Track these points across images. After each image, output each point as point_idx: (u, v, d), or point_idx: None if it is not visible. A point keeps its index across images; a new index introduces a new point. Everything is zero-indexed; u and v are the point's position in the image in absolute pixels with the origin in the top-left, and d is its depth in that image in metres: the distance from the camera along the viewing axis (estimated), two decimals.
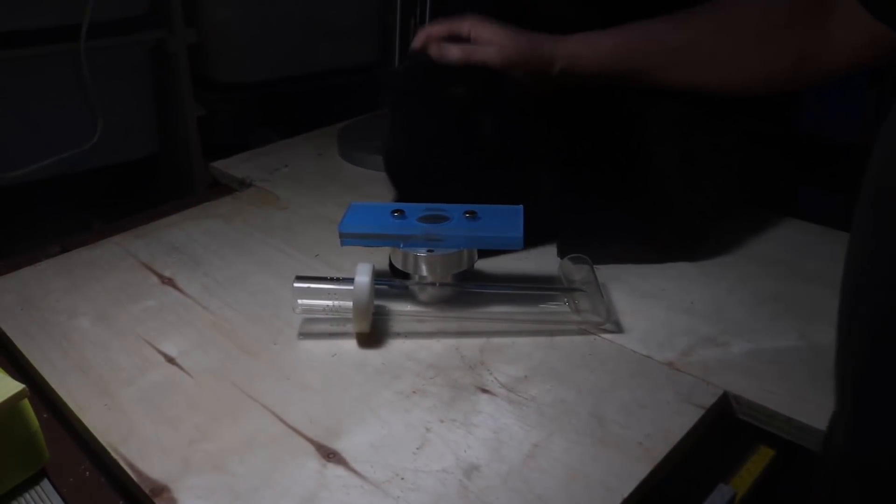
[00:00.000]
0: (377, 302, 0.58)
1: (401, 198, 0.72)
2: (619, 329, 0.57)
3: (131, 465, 0.45)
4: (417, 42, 0.68)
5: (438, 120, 0.66)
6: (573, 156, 0.68)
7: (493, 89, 0.65)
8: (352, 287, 0.54)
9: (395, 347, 0.56)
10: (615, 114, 0.69)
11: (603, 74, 0.66)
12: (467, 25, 0.67)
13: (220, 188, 0.88)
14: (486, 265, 0.65)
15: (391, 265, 0.61)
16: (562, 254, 0.65)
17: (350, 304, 0.55)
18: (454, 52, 0.65)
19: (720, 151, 0.68)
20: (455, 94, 0.65)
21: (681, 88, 0.65)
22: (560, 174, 0.68)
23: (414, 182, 0.70)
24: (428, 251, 0.57)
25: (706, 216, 0.68)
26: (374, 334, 0.57)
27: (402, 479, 0.44)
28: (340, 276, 0.57)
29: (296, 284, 0.56)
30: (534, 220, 0.59)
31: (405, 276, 0.59)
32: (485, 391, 0.51)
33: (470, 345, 0.56)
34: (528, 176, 0.68)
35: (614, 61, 0.66)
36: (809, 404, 0.49)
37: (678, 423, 0.48)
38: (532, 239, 0.62)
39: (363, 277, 0.54)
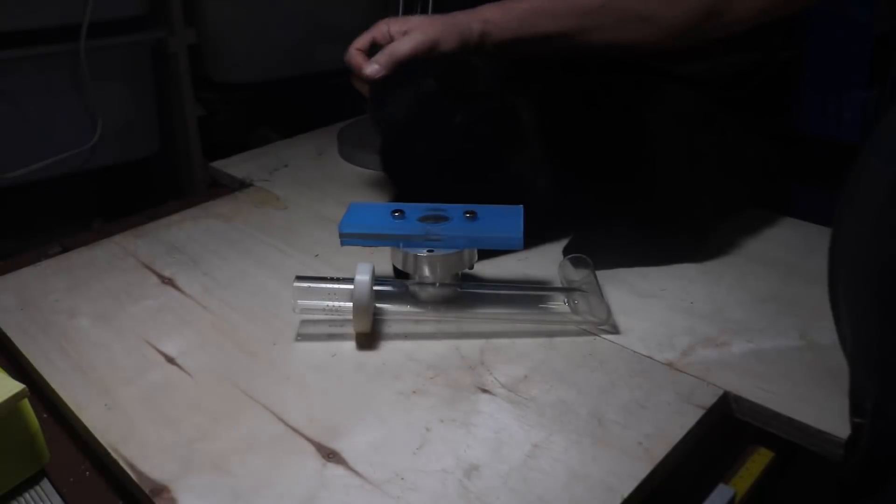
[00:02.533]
0: (377, 303, 0.58)
1: (399, 195, 0.72)
2: (618, 329, 0.57)
3: (131, 465, 0.45)
4: (355, 64, 0.70)
5: (440, 131, 0.67)
6: (575, 154, 0.68)
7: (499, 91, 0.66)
8: (352, 287, 0.54)
9: (395, 347, 0.56)
10: (617, 112, 0.69)
11: (519, 39, 0.68)
12: (384, 27, 0.70)
13: (220, 188, 0.88)
14: (486, 265, 0.66)
15: (394, 267, 0.61)
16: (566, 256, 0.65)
17: (350, 304, 0.55)
18: (371, 69, 0.68)
19: (724, 149, 0.68)
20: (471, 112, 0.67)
21: (598, 47, 0.68)
22: (562, 173, 0.68)
23: (412, 179, 0.70)
24: (428, 251, 0.57)
25: (711, 216, 0.68)
26: (373, 334, 0.57)
27: (402, 479, 0.44)
28: (340, 276, 0.57)
29: (296, 284, 0.56)
30: (535, 221, 0.59)
31: (405, 276, 0.59)
32: (485, 391, 0.51)
33: (470, 345, 0.56)
34: (528, 175, 0.68)
35: (527, 26, 0.68)
36: (809, 404, 0.49)
37: (678, 423, 0.48)
38: (533, 239, 0.62)
39: (363, 277, 0.54)
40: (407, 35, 0.68)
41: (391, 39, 0.69)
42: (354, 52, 0.70)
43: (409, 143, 0.69)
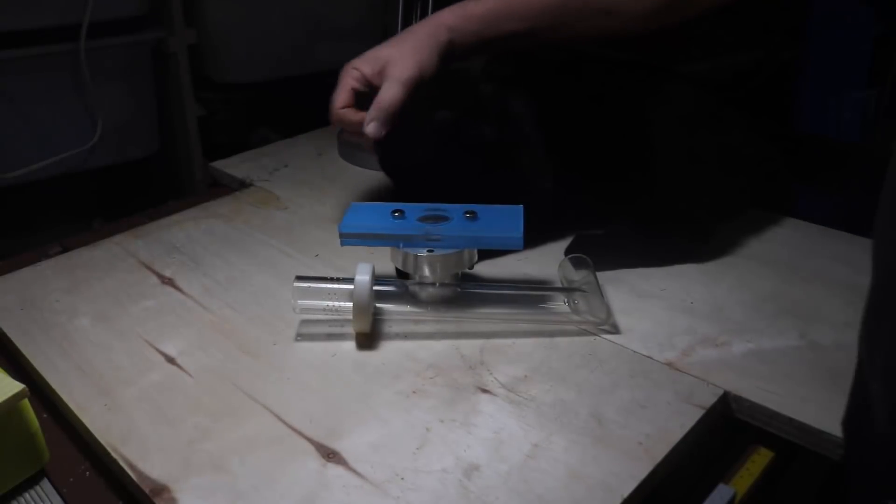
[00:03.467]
0: (377, 303, 0.58)
1: (399, 193, 0.72)
2: (619, 329, 0.57)
3: (131, 465, 0.45)
4: (342, 125, 0.66)
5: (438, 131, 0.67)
6: (576, 154, 0.68)
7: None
8: (352, 287, 0.54)
9: (395, 347, 0.56)
10: (618, 112, 0.69)
11: (482, 42, 0.66)
12: (355, 72, 0.65)
13: (220, 188, 0.88)
14: (486, 265, 0.65)
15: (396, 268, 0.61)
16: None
17: (350, 304, 0.55)
18: (371, 129, 0.63)
19: (727, 149, 0.68)
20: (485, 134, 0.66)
21: (564, 42, 0.66)
22: (563, 173, 0.68)
23: (411, 178, 0.70)
24: (428, 251, 0.57)
25: (713, 215, 0.68)
26: (373, 334, 0.57)
27: (402, 479, 0.44)
28: (340, 276, 0.57)
29: (296, 284, 0.56)
30: (537, 220, 0.59)
31: (405, 276, 0.59)
32: (485, 391, 0.51)
33: (470, 345, 0.56)
34: (532, 176, 0.68)
35: (488, 28, 0.65)
36: (810, 404, 0.49)
37: (678, 423, 0.48)
38: (534, 238, 0.62)
39: (363, 277, 0.54)
40: (388, 80, 0.63)
41: (369, 84, 0.64)
42: (341, 113, 0.64)
43: (437, 176, 0.67)
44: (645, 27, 0.65)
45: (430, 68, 0.63)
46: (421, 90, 0.63)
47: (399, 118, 0.63)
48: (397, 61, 0.63)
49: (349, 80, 0.64)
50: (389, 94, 0.62)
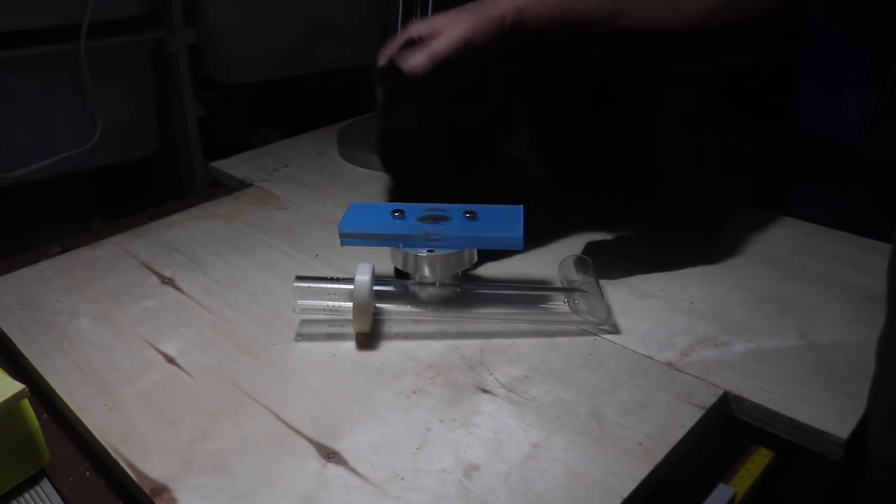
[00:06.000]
0: (377, 303, 0.58)
1: (397, 185, 0.72)
2: (618, 329, 0.57)
3: (131, 465, 0.45)
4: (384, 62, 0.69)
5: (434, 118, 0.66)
6: (577, 153, 0.68)
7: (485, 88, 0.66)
8: (352, 287, 0.54)
9: (395, 347, 0.56)
10: (619, 111, 0.69)
11: (552, 25, 0.68)
12: (415, 29, 0.69)
13: (220, 188, 0.88)
14: (486, 266, 0.66)
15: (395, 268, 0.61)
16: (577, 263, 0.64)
17: (350, 304, 0.55)
18: (416, 60, 0.67)
19: (728, 148, 0.68)
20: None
21: (630, 32, 0.68)
22: (562, 173, 0.68)
23: (410, 173, 0.70)
24: (428, 251, 0.57)
25: (719, 215, 0.68)
26: (373, 334, 0.57)
27: (402, 479, 0.44)
28: (340, 276, 0.57)
29: (296, 284, 0.56)
30: (535, 221, 0.59)
31: (405, 276, 0.59)
32: (485, 391, 0.51)
33: (470, 345, 0.56)
34: (530, 176, 0.68)
35: (560, 11, 0.68)
36: (809, 404, 0.49)
37: (678, 423, 0.48)
38: (533, 237, 0.62)
39: (363, 277, 0.54)
40: (443, 35, 0.67)
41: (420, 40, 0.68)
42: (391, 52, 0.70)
43: (419, 141, 0.68)
44: (707, 24, 0.66)
45: (480, 40, 0.66)
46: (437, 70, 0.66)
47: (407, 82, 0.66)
48: (453, 27, 0.67)
49: (408, 33, 0.69)
50: (436, 45, 0.66)
